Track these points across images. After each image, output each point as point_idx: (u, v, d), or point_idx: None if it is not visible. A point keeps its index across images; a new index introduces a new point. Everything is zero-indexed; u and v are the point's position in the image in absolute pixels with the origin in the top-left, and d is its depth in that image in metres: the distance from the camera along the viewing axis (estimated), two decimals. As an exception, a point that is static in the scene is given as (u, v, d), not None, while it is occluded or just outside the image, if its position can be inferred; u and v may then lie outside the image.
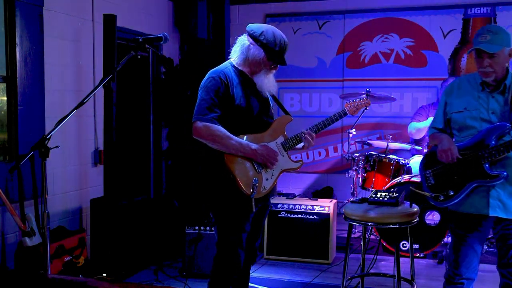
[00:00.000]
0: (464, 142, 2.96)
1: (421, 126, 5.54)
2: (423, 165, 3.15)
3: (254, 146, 2.93)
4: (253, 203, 2.94)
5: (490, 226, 2.98)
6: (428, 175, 3.10)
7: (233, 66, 3.06)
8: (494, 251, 3.07)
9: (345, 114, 3.27)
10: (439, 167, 3.04)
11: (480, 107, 2.93)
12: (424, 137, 5.61)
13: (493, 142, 2.84)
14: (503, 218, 2.88)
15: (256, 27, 3.04)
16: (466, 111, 2.96)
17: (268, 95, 3.14)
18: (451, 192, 2.96)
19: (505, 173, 2.82)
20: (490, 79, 2.89)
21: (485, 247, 4.84)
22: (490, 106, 2.91)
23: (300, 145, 3.12)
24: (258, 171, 2.96)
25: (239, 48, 3.04)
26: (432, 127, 3.22)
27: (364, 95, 5.11)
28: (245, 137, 2.96)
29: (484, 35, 2.86)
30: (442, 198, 3.00)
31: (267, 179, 3.00)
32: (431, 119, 5.39)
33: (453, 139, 3.06)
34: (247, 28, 3.06)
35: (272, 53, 2.99)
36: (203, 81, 3.00)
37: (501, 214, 2.87)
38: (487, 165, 2.85)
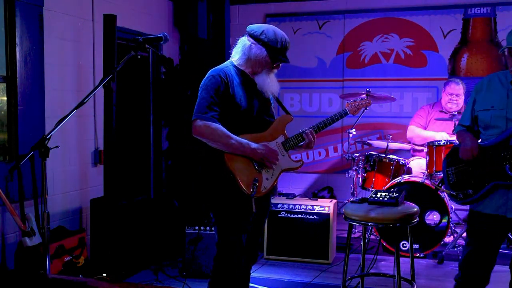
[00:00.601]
0: (488, 141, 2.94)
1: (426, 135, 5.42)
2: (447, 162, 3.13)
3: (254, 145, 2.93)
4: (253, 203, 2.92)
5: (509, 227, 2.95)
6: (450, 172, 3.08)
7: (234, 65, 3.06)
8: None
9: (346, 114, 3.26)
10: (461, 165, 3.02)
11: (507, 106, 2.89)
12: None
13: None
14: None
15: (256, 27, 3.04)
16: (492, 110, 2.93)
17: (270, 95, 3.13)
18: (470, 191, 2.95)
19: None
20: None
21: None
22: None
23: (302, 143, 3.10)
24: (258, 170, 2.95)
25: (241, 48, 3.04)
26: (459, 124, 3.19)
27: (365, 95, 5.11)
28: (245, 136, 2.94)
29: None
30: (461, 196, 2.99)
31: (267, 179, 2.99)
32: (434, 133, 5.34)
33: (480, 138, 3.03)
34: (247, 29, 3.06)
35: (274, 51, 2.99)
36: (203, 80, 3.00)
37: None
38: (508, 166, 2.83)
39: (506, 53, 2.89)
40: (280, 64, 3.08)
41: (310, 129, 3.11)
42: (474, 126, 3.10)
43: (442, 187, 3.19)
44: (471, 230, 3.04)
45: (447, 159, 3.15)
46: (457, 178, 3.04)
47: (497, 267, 3.07)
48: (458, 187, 3.02)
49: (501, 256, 3.16)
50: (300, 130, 3.11)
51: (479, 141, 3.00)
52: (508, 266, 3.07)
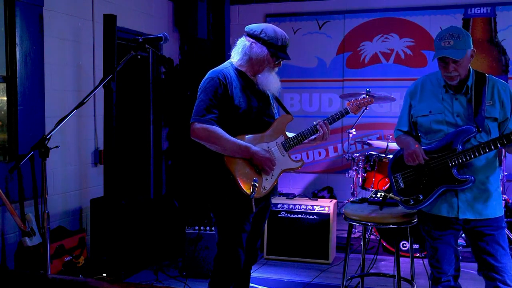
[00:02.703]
0: (431, 145, 2.95)
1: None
2: (392, 168, 3.13)
3: (253, 149, 2.91)
4: (253, 204, 2.92)
5: (461, 226, 2.98)
6: (398, 178, 3.08)
7: (233, 66, 3.04)
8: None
9: (347, 112, 3.24)
10: (408, 171, 3.02)
11: (445, 110, 2.92)
12: None
13: (460, 147, 2.83)
14: (471, 219, 2.88)
15: (255, 26, 3.03)
16: (431, 115, 2.95)
17: (270, 95, 3.11)
18: (421, 196, 2.96)
19: (472, 178, 2.82)
20: (455, 82, 2.87)
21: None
22: (454, 109, 2.90)
23: (316, 136, 3.08)
24: (258, 171, 2.94)
25: (241, 49, 3.02)
26: (397, 129, 3.20)
27: (365, 94, 5.11)
28: (245, 137, 2.93)
29: (447, 40, 2.80)
30: (412, 202, 3.00)
31: (267, 179, 2.98)
32: None
33: (420, 142, 3.04)
34: (246, 29, 3.05)
35: (275, 49, 2.97)
36: (202, 82, 2.98)
37: (470, 216, 2.87)
38: (455, 170, 2.85)
39: (437, 60, 2.88)
40: (281, 62, 3.06)
41: (325, 121, 3.08)
42: (413, 131, 3.11)
43: (391, 194, 3.19)
44: (427, 231, 3.05)
45: (391, 165, 3.14)
46: (406, 184, 3.05)
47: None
48: (408, 193, 3.03)
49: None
50: (314, 123, 3.08)
51: (424, 145, 3.00)
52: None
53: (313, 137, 3.10)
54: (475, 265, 3.03)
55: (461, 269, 3.10)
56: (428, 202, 2.95)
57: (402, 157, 3.04)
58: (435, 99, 2.96)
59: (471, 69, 2.93)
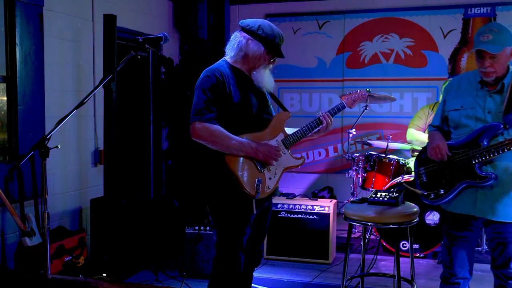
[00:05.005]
0: (457, 140, 2.94)
1: (425, 139, 5.39)
2: (417, 162, 3.14)
3: (255, 144, 2.86)
4: (254, 205, 2.86)
5: (480, 226, 2.97)
6: (421, 172, 3.09)
7: (228, 63, 2.97)
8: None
9: (344, 107, 3.23)
10: (432, 165, 3.03)
11: (476, 106, 2.90)
12: None
13: (485, 143, 2.81)
14: (491, 221, 2.87)
15: (251, 21, 2.96)
16: (462, 110, 2.94)
17: (266, 92, 3.06)
18: (442, 191, 2.95)
19: (494, 174, 2.80)
20: (491, 79, 2.85)
21: (485, 247, 4.84)
22: (486, 106, 2.87)
23: (320, 127, 3.06)
24: (261, 170, 2.89)
25: (236, 45, 2.95)
26: (430, 124, 3.21)
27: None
28: (245, 136, 2.88)
29: (486, 34, 2.78)
30: (432, 196, 3.00)
31: (270, 178, 2.93)
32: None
33: (450, 138, 3.05)
34: (241, 24, 2.97)
35: (272, 46, 2.93)
36: (198, 80, 2.92)
37: (488, 216, 2.86)
38: (477, 166, 2.83)
39: (475, 54, 2.88)
40: (276, 60, 3.01)
41: (327, 113, 3.07)
42: (444, 126, 3.11)
43: (415, 188, 3.18)
44: (445, 230, 3.05)
45: (417, 159, 3.15)
46: (428, 178, 3.05)
47: (486, 266, 3.06)
48: (430, 187, 3.02)
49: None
50: (318, 115, 3.06)
51: (450, 140, 3.00)
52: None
53: (317, 129, 3.07)
54: (478, 265, 3.03)
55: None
56: (449, 198, 2.93)
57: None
58: (469, 95, 2.94)
59: (510, 68, 2.88)
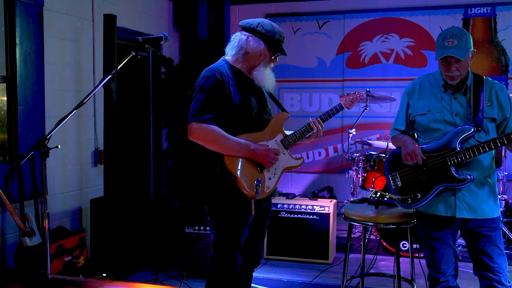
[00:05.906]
0: (429, 145, 2.96)
1: None
2: (389, 167, 3.12)
3: (253, 145, 2.84)
4: (253, 206, 2.84)
5: (458, 225, 2.98)
6: (395, 177, 3.08)
7: (228, 63, 2.95)
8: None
9: (342, 108, 3.20)
10: (406, 169, 3.02)
11: (443, 109, 2.93)
12: None
13: (459, 146, 2.84)
14: (469, 219, 2.89)
15: (251, 20, 2.95)
16: (430, 114, 2.96)
17: (265, 92, 3.04)
18: (419, 195, 2.96)
19: (472, 176, 2.83)
20: (456, 82, 2.89)
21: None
22: (453, 109, 2.91)
23: (310, 133, 3.02)
24: (260, 171, 2.88)
25: (236, 43, 2.93)
26: (394, 128, 3.21)
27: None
28: (244, 136, 2.86)
29: (451, 39, 2.82)
30: (409, 201, 3.00)
31: (270, 178, 2.92)
32: None
33: (417, 141, 3.05)
34: (241, 24, 2.96)
35: (273, 42, 2.90)
36: (198, 80, 2.90)
37: (467, 215, 2.88)
38: (453, 169, 2.85)
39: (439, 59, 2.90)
40: (278, 58, 2.99)
41: (318, 118, 3.03)
42: (409, 131, 3.12)
43: (387, 193, 3.18)
44: (424, 232, 3.04)
45: (388, 163, 3.13)
46: (403, 183, 3.04)
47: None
48: (406, 192, 3.02)
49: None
50: (308, 121, 3.03)
51: (421, 145, 3.00)
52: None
53: (308, 135, 3.04)
54: (470, 264, 3.03)
55: (460, 269, 3.11)
56: (426, 201, 2.95)
57: (399, 156, 3.04)
58: (433, 98, 2.97)
59: (469, 70, 2.94)
